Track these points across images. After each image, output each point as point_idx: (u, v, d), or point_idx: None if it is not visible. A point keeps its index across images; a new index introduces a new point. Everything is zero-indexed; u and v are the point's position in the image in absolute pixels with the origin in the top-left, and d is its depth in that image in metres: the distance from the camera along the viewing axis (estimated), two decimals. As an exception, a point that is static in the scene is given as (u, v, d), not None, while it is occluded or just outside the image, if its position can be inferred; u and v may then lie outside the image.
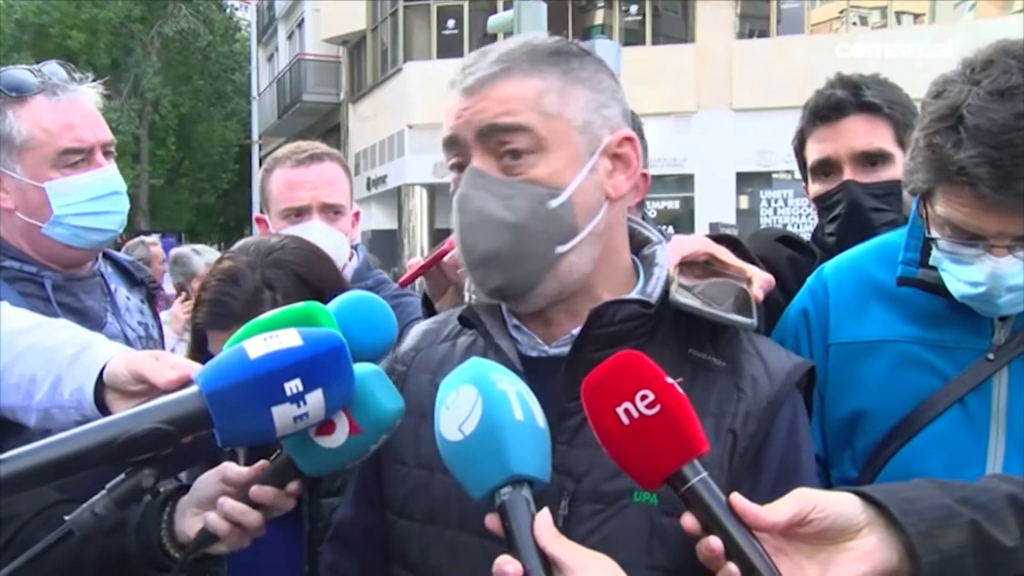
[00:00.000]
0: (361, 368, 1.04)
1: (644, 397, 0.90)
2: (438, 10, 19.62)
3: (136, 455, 0.91)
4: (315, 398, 0.91)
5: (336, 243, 2.01)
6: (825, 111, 1.82)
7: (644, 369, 0.91)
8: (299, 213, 2.07)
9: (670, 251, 1.23)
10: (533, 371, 1.10)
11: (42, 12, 22.24)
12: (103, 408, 1.23)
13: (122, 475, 0.93)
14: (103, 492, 0.93)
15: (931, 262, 1.31)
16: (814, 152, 1.85)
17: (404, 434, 1.16)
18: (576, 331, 1.10)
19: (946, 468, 1.32)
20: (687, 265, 1.21)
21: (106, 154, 1.82)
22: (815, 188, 1.88)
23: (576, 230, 1.08)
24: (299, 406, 0.90)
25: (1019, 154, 1.12)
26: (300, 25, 26.43)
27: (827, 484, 1.48)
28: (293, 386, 0.89)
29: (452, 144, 1.11)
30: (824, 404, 1.46)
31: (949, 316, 1.35)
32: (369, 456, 1.09)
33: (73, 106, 1.75)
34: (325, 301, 1.38)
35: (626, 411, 0.90)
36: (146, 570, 1.21)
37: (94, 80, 1.83)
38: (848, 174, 1.80)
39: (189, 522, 1.18)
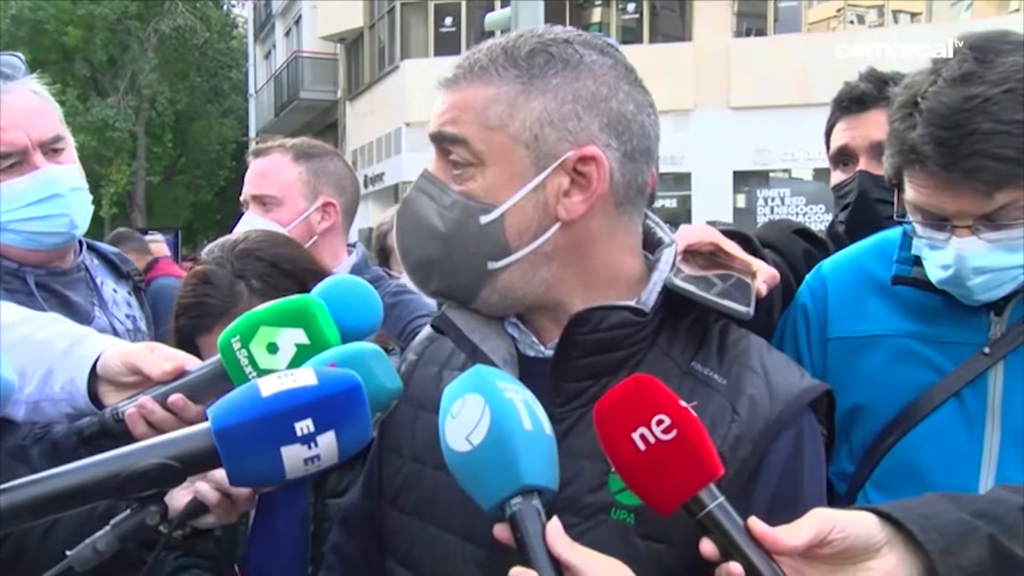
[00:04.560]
0: (361, 346, 1.04)
1: (660, 422, 0.88)
2: (435, 8, 19.58)
3: (141, 491, 0.89)
4: (327, 440, 0.88)
5: None
6: (848, 102, 1.85)
7: (658, 393, 0.90)
8: (247, 206, 2.15)
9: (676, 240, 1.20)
10: (529, 371, 1.06)
11: (38, 8, 22.12)
12: (96, 400, 1.23)
13: (127, 511, 0.92)
14: (107, 528, 0.91)
15: (913, 251, 1.34)
16: (835, 141, 1.88)
17: (403, 424, 1.15)
18: None
19: (942, 462, 1.33)
20: (691, 254, 1.18)
21: (54, 152, 1.72)
22: (834, 177, 1.91)
23: (508, 249, 1.02)
24: (310, 447, 0.87)
25: (965, 133, 1.16)
26: (297, 22, 26.37)
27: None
28: (304, 426, 0.86)
29: (431, 141, 1.11)
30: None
31: (945, 311, 1.36)
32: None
33: None
34: (304, 282, 1.38)
35: (642, 436, 0.88)
36: (134, 549, 1.20)
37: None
38: (863, 164, 1.82)
39: (176, 495, 1.17)
